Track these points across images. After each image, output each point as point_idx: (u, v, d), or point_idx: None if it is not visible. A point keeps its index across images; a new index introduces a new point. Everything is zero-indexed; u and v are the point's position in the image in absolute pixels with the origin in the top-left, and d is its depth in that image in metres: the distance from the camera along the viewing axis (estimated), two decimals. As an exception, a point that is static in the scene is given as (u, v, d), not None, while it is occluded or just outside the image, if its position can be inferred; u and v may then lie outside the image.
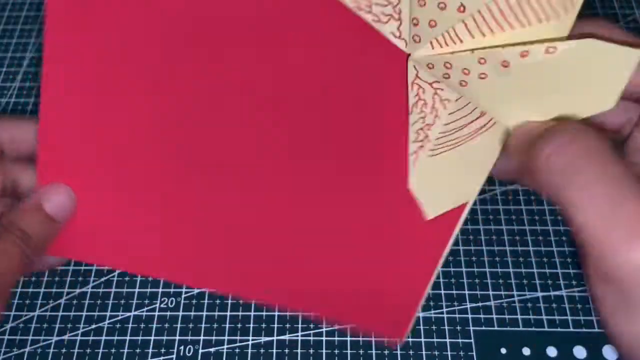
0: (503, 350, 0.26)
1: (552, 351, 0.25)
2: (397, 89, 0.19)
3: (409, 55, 0.18)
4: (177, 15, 0.19)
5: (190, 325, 0.27)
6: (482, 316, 0.26)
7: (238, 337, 0.26)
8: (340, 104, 0.20)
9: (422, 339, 0.26)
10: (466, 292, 0.27)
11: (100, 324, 0.27)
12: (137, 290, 0.28)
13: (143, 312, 0.27)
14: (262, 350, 0.26)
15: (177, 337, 0.26)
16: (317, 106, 0.20)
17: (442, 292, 0.27)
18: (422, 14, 0.17)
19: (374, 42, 0.18)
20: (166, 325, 0.27)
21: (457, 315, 0.26)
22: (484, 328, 0.26)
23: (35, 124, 0.22)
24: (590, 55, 0.16)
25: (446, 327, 0.26)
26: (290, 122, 0.20)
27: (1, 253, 0.20)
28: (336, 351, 0.26)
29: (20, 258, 0.20)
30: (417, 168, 0.21)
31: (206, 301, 0.27)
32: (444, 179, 0.21)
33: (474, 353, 0.26)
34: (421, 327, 0.26)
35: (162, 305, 0.27)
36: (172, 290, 0.28)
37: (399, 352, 0.26)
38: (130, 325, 0.27)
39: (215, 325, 0.27)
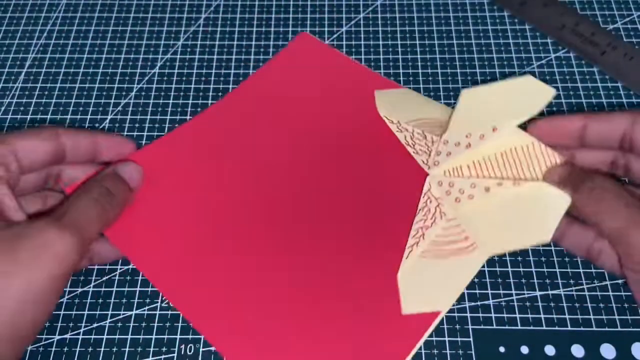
0: (502, 349, 0.26)
1: (550, 350, 0.26)
2: (415, 197, 0.28)
3: (427, 174, 0.28)
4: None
5: (192, 324, 0.27)
6: (480, 315, 0.27)
7: (238, 336, 0.26)
8: (378, 199, 0.29)
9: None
10: (465, 291, 0.27)
11: (101, 323, 0.27)
12: (138, 289, 0.28)
13: (144, 310, 0.27)
14: (262, 349, 0.26)
15: (178, 336, 0.27)
16: (362, 201, 0.29)
17: (441, 291, 0.27)
18: (443, 149, 0.28)
19: (409, 165, 0.29)
20: (167, 324, 0.27)
21: (456, 314, 0.27)
22: (482, 327, 0.26)
23: (91, 135, 0.27)
24: (540, 194, 0.25)
25: (445, 326, 0.26)
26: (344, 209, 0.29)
27: (90, 201, 0.24)
28: (336, 350, 0.26)
29: (104, 209, 0.25)
30: (408, 261, 0.26)
31: (207, 300, 0.27)
32: (426, 281, 0.26)
33: (473, 352, 0.26)
34: (420, 326, 0.26)
35: (163, 304, 0.27)
36: (173, 289, 0.28)
37: (398, 350, 0.26)
38: (131, 324, 0.27)
39: (216, 324, 0.27)
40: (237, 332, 0.26)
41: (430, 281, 0.26)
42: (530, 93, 0.26)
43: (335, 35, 0.36)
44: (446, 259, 0.26)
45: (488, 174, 0.27)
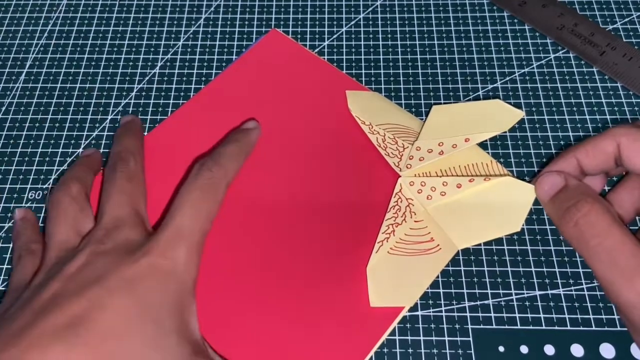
0: (501, 349, 0.26)
1: (549, 349, 0.26)
2: (386, 197, 0.29)
3: (399, 176, 0.29)
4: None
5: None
6: (480, 314, 0.27)
7: (239, 336, 0.26)
8: (349, 197, 0.29)
9: (421, 337, 0.26)
10: (464, 290, 0.27)
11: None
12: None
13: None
14: (262, 349, 0.26)
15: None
16: (336, 201, 0.29)
17: (441, 290, 0.27)
18: (416, 154, 0.29)
19: (380, 165, 0.30)
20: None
21: (455, 314, 0.27)
22: (482, 326, 0.26)
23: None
24: (508, 187, 0.27)
25: (445, 326, 0.26)
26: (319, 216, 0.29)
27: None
28: (336, 349, 0.26)
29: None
30: (377, 256, 0.27)
31: (207, 300, 0.27)
32: (393, 277, 0.26)
33: (473, 351, 0.26)
34: (420, 326, 0.26)
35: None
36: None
37: (398, 350, 0.26)
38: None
39: (216, 324, 0.27)
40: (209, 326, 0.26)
41: (397, 277, 0.26)
42: (500, 114, 0.29)
43: (335, 36, 0.36)
44: (412, 258, 0.27)
45: (455, 173, 0.29)
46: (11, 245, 0.29)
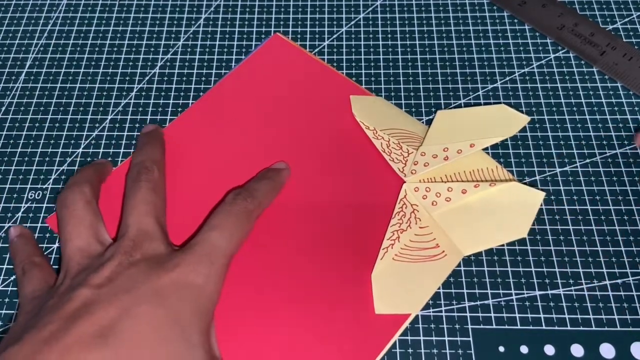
0: (501, 349, 0.26)
1: (549, 349, 0.26)
2: (390, 202, 0.29)
3: (404, 182, 0.29)
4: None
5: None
6: (480, 315, 0.27)
7: (239, 336, 0.26)
8: (353, 203, 0.29)
9: (421, 337, 0.26)
10: (464, 290, 0.27)
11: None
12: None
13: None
14: (262, 349, 0.26)
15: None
16: (343, 209, 0.29)
17: (441, 290, 0.27)
18: (420, 159, 0.29)
19: (385, 170, 0.30)
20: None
21: (455, 314, 0.27)
22: (482, 326, 0.26)
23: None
24: (514, 192, 0.27)
25: (445, 326, 0.26)
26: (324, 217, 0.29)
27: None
28: (336, 349, 0.26)
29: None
30: (382, 263, 0.27)
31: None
32: (398, 284, 0.26)
33: (473, 351, 0.26)
34: (420, 326, 0.26)
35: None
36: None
37: (397, 350, 0.26)
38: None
39: (216, 324, 0.27)
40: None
41: (402, 284, 0.26)
42: (505, 119, 0.29)
43: (335, 36, 0.36)
44: (417, 264, 0.27)
45: (460, 179, 0.29)
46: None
